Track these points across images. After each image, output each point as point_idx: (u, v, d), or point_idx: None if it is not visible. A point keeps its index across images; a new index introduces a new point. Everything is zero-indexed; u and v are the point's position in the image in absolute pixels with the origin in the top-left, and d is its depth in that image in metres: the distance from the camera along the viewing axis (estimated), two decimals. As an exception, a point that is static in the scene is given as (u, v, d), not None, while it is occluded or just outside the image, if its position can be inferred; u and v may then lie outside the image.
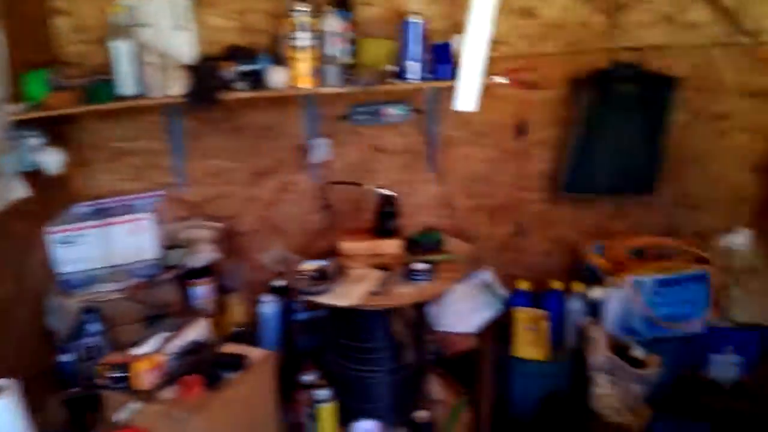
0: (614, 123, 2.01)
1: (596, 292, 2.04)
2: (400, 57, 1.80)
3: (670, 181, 2.17)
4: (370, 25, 1.88)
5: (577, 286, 2.08)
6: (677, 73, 2.00)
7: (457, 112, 1.82)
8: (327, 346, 1.84)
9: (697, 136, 2.14)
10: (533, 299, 2.13)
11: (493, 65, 1.88)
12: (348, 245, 1.83)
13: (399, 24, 1.79)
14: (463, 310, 2.08)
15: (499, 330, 2.13)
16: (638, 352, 1.98)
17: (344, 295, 1.60)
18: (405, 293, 1.64)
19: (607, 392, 1.91)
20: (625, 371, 1.92)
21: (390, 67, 1.81)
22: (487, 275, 2.15)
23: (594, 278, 2.09)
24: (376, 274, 1.70)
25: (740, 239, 2.24)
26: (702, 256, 2.12)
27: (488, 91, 1.98)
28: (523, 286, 2.11)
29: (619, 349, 1.99)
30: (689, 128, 2.12)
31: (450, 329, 2.08)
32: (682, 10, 1.98)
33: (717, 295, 2.11)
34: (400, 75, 1.80)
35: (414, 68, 1.77)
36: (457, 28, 1.76)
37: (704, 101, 2.09)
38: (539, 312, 2.05)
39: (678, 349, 2.15)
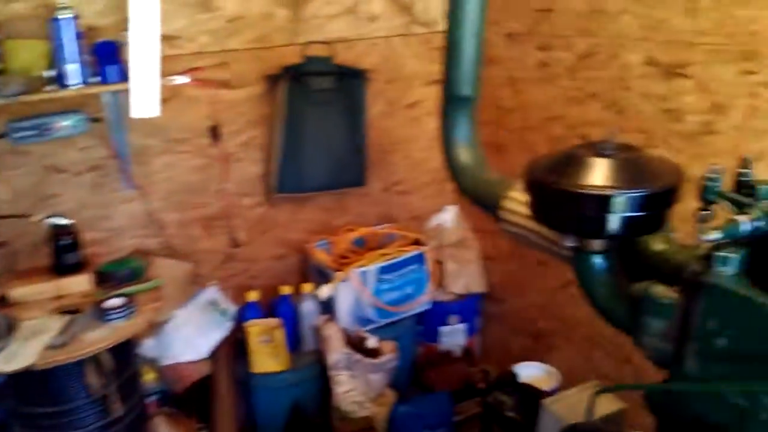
0: (316, 118, 1.95)
1: (325, 290, 1.97)
2: (57, 60, 1.49)
3: (379, 170, 2.21)
4: (15, 23, 1.53)
5: (308, 287, 2.00)
6: (367, 65, 2.02)
7: (147, 119, 1.60)
8: (12, 418, 1.47)
9: (395, 125, 2.20)
10: (266, 309, 2.00)
11: (175, 64, 1.69)
12: (20, 291, 1.47)
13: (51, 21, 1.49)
14: (189, 336, 1.86)
15: (235, 349, 1.96)
16: (373, 342, 1.97)
17: (13, 357, 1.27)
18: (97, 338, 1.36)
19: (347, 389, 1.86)
20: (363, 363, 1.89)
21: (47, 73, 1.50)
22: (211, 293, 1.96)
23: (323, 276, 2.03)
24: (57, 322, 1.39)
25: (448, 216, 2.39)
26: (417, 238, 2.20)
27: (177, 94, 1.79)
28: (253, 297, 1.96)
29: (355, 342, 1.97)
30: (387, 118, 2.17)
31: (177, 360, 1.85)
32: (364, 2, 2.00)
33: (435, 272, 2.21)
34: (60, 80, 1.50)
35: (74, 72, 1.49)
36: (126, 24, 1.52)
37: (396, 90, 2.16)
38: (273, 321, 1.92)
39: (410, 329, 2.22)
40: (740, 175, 0.78)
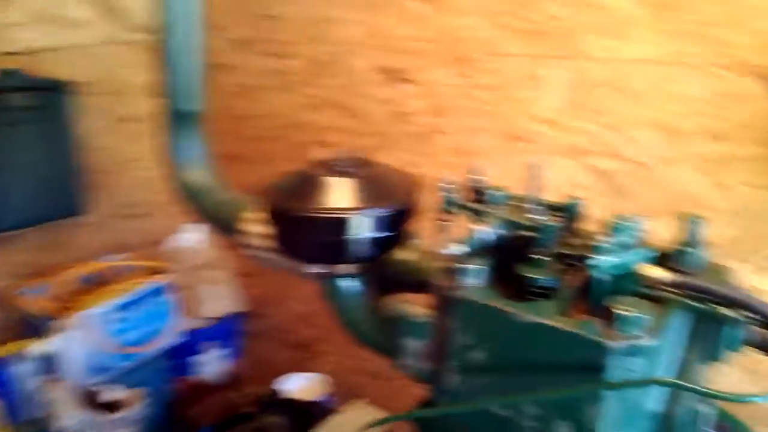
0: (11, 141, 1.58)
1: (46, 343, 1.62)
2: None
3: (105, 194, 1.90)
4: None
5: (22, 344, 1.62)
6: (75, 77, 1.71)
7: None
8: None
9: (118, 142, 1.91)
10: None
11: None
12: None
13: None
14: None
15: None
16: (116, 393, 1.68)
17: None
18: None
19: (87, 457, 1.56)
20: (102, 421, 1.60)
21: None
22: None
23: (42, 327, 1.67)
24: None
25: (193, 236, 2.17)
26: (159, 265, 1.95)
27: None
28: (-55, 369, 1.53)
29: (91, 398, 1.66)
30: (107, 134, 1.87)
31: None
32: (62, 7, 1.68)
33: (184, 298, 1.99)
34: None
35: None
36: None
37: (114, 104, 1.87)
38: (-23, 395, 1.52)
39: (163, 367, 1.96)
40: (472, 181, 0.76)
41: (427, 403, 0.74)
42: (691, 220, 0.60)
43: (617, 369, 0.53)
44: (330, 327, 2.05)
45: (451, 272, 0.68)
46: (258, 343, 2.24)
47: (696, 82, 1.03)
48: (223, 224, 1.08)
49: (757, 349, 0.56)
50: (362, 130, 1.69)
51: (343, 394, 1.94)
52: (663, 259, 0.62)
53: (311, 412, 1.74)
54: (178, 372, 2.06)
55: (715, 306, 0.56)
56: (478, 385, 0.65)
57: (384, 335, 0.76)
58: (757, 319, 0.54)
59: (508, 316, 0.61)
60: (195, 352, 2.10)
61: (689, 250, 0.60)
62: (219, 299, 2.12)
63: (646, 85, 1.10)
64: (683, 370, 0.58)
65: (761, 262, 0.96)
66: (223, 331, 2.16)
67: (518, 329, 0.60)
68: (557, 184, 1.28)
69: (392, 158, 1.63)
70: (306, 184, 0.77)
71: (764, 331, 0.54)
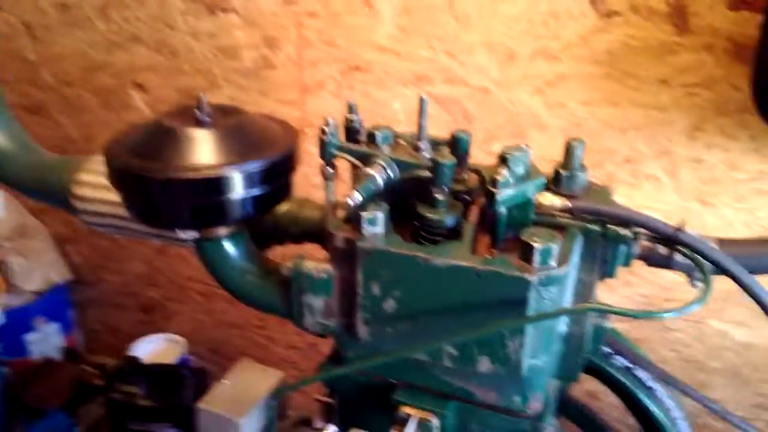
0: None
1: None
2: None
3: None
4: None
5: None
6: None
7: None
8: None
9: None
10: None
11: None
12: None
13: None
14: None
15: None
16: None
17: None
18: None
19: None
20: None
21: None
22: None
23: None
24: None
25: (-4, 203, 1.80)
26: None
27: None
28: None
29: None
30: None
31: None
32: None
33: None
34: None
35: None
36: None
37: None
38: None
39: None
40: (349, 122, 0.69)
41: (335, 357, 0.69)
42: (571, 143, 0.61)
43: (536, 300, 0.53)
44: (176, 284, 1.89)
45: (350, 222, 0.62)
46: (99, 311, 1.99)
47: (523, 3, 1.04)
48: (47, 191, 0.88)
49: (645, 262, 0.59)
50: (184, 69, 1.48)
51: (209, 350, 1.82)
52: (548, 184, 0.62)
53: (170, 375, 1.60)
54: (8, 355, 1.76)
55: (608, 226, 0.57)
56: (391, 333, 0.61)
57: (281, 297, 0.68)
58: (647, 234, 0.57)
59: (418, 261, 0.57)
60: (23, 331, 1.81)
61: (574, 173, 0.60)
62: (40, 270, 1.82)
63: (477, 7, 1.08)
64: (582, 290, 0.60)
65: (604, 176, 1.04)
66: (50, 304, 1.88)
67: (430, 274, 0.57)
68: (406, 114, 1.26)
69: (222, 98, 1.47)
70: (162, 138, 0.64)
71: (651, 244, 0.57)
